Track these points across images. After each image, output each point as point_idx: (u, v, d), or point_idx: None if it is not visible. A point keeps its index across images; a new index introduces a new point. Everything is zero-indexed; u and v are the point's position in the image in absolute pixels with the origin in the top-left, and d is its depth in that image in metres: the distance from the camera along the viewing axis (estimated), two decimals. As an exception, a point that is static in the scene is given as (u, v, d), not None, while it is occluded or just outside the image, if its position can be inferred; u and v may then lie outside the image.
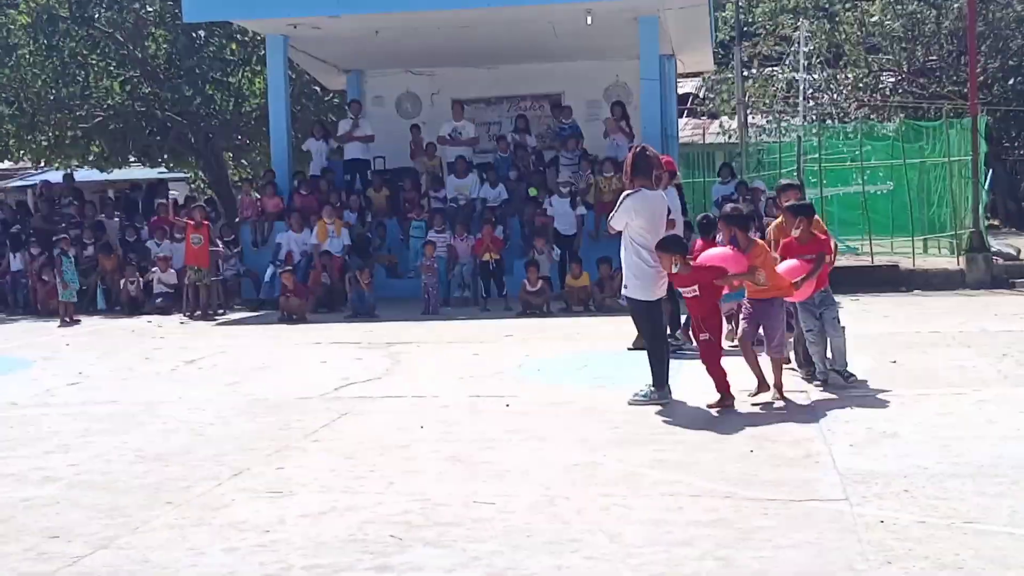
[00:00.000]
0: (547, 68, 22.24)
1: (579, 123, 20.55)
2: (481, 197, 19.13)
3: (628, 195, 8.54)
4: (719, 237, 10.57)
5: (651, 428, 7.68)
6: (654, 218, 8.52)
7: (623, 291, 8.77)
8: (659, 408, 8.27)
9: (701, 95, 36.60)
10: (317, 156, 20.64)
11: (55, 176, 26.44)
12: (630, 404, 8.43)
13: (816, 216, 9.09)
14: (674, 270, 8.33)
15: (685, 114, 35.43)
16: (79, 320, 16.64)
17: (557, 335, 13.39)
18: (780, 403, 8.37)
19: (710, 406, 8.28)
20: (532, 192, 18.95)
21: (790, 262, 8.86)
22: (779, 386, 8.49)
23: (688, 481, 6.19)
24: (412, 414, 8.49)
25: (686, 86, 35.32)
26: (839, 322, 9.06)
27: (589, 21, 18.51)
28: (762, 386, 8.47)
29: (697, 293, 8.36)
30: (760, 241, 9.01)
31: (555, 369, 10.72)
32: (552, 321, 14.93)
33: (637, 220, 8.44)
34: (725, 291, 8.47)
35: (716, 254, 8.64)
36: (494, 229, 17.35)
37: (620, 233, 8.65)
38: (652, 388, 8.49)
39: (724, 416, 8.03)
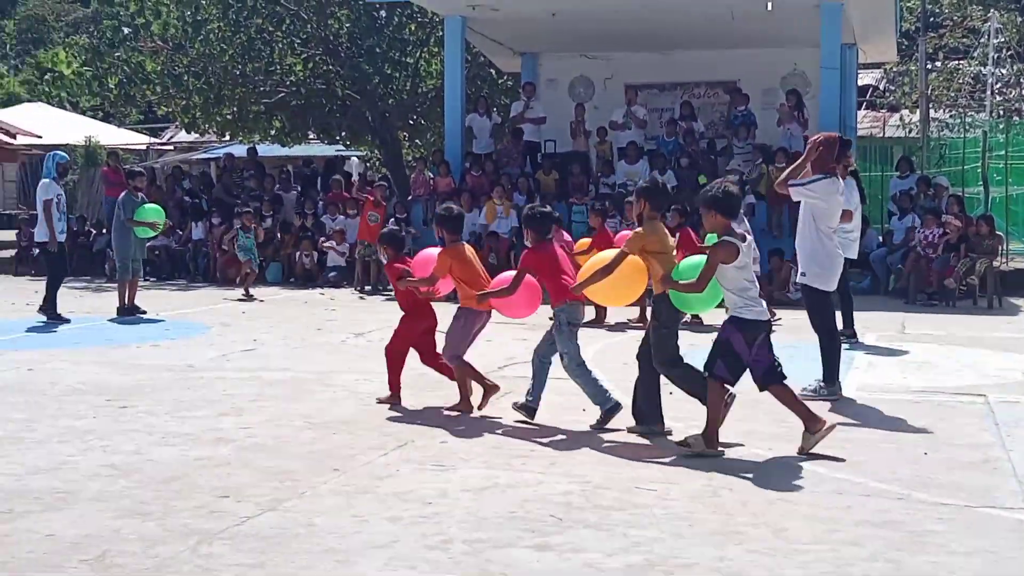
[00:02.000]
0: (723, 55, 21.92)
1: (754, 111, 20.20)
2: (651, 183, 18.96)
3: (826, 178, 8.31)
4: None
5: (819, 424, 7.48)
6: (839, 206, 8.40)
7: (799, 278, 8.55)
8: (828, 404, 8.05)
9: (881, 87, 35.54)
10: (480, 132, 20.78)
11: (239, 150, 27.28)
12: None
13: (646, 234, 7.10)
14: (384, 259, 8.64)
15: (864, 106, 34.44)
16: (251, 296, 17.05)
17: (723, 325, 13.18)
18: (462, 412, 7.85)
19: (379, 400, 8.14)
20: (702, 180, 18.69)
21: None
22: (463, 398, 7.93)
23: (857, 480, 6.01)
24: (575, 396, 8.43)
25: (865, 78, 34.32)
26: (566, 360, 7.47)
27: (769, 7, 18.16)
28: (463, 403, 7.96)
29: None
30: (455, 248, 7.96)
31: (720, 359, 10.52)
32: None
33: (828, 205, 8.27)
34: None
35: (418, 257, 8.36)
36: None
37: (796, 216, 8.47)
38: (822, 383, 8.29)
39: (896, 416, 7.74)
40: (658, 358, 7.08)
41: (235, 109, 24.11)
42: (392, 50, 23.55)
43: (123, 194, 14.25)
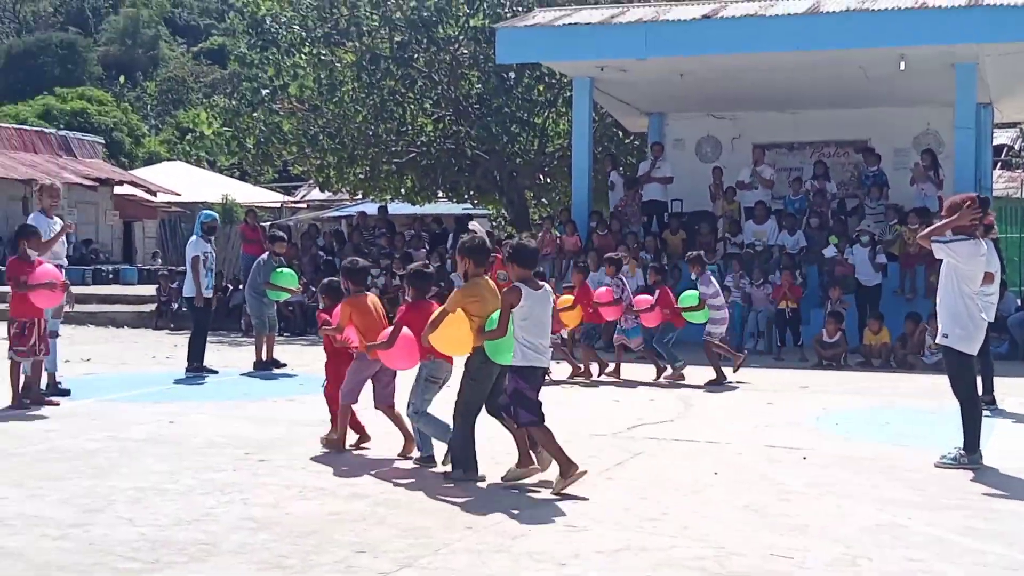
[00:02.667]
0: (853, 114, 21.74)
1: (886, 171, 19.93)
2: (779, 244, 18.82)
3: (969, 239, 8.15)
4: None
5: (961, 493, 7.29)
6: (981, 268, 8.26)
7: (940, 339, 8.34)
8: (970, 473, 7.85)
9: (1017, 146, 34.69)
10: (616, 189, 21.02)
11: (370, 207, 27.84)
12: (937, 466, 8.05)
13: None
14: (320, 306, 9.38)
15: (999, 166, 33.63)
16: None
17: (855, 389, 12.98)
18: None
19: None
20: (832, 241, 18.49)
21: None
22: (407, 439, 8.41)
23: (1002, 552, 5.83)
24: (705, 459, 8.41)
25: (1000, 137, 33.56)
26: (410, 409, 8.03)
27: (902, 67, 17.94)
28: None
29: None
30: (357, 299, 8.58)
31: (854, 424, 10.37)
32: (850, 375, 14.48)
33: (969, 267, 8.11)
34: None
35: (338, 307, 8.83)
36: (793, 277, 17.01)
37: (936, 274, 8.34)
38: (962, 451, 8.07)
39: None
40: (458, 406, 7.55)
41: (367, 168, 24.65)
42: (520, 110, 23.84)
43: (264, 256, 14.67)
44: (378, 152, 24.01)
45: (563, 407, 11.24)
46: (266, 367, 14.15)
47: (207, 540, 5.95)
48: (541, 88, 24.33)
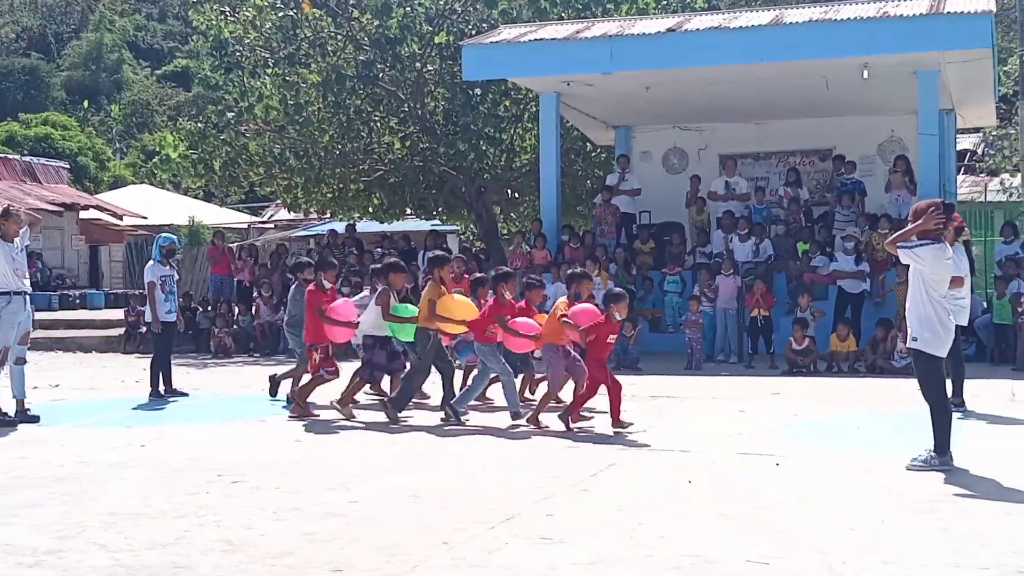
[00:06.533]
0: (818, 123, 21.93)
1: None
2: (749, 251, 18.92)
3: (933, 243, 8.22)
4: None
5: (932, 496, 7.34)
6: (948, 272, 8.35)
7: (910, 343, 8.38)
8: (941, 475, 7.90)
9: (980, 151, 35.01)
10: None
11: (340, 226, 27.78)
12: (908, 469, 8.10)
13: None
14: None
15: (962, 171, 33.94)
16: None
17: (826, 395, 13.06)
18: None
19: None
20: (801, 247, 18.62)
21: None
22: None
23: (976, 553, 5.87)
24: (679, 468, 8.42)
25: (963, 142, 33.87)
26: None
27: (866, 75, 18.11)
28: None
29: None
30: None
31: (826, 430, 10.44)
32: (820, 381, 14.57)
33: (934, 270, 8.18)
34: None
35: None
36: (766, 285, 17.11)
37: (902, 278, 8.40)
38: (933, 454, 8.13)
39: (1013, 487, 7.57)
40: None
41: (335, 187, 24.60)
42: (487, 126, 23.87)
43: (295, 286, 13.01)
44: (345, 171, 23.97)
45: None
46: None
47: (182, 563, 5.90)
48: (507, 103, 24.38)
